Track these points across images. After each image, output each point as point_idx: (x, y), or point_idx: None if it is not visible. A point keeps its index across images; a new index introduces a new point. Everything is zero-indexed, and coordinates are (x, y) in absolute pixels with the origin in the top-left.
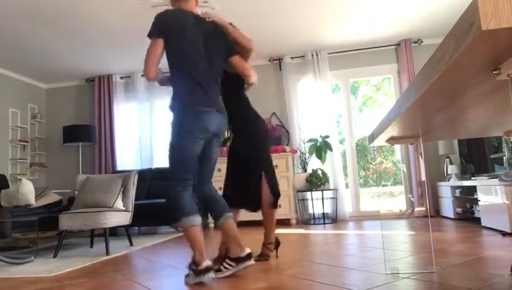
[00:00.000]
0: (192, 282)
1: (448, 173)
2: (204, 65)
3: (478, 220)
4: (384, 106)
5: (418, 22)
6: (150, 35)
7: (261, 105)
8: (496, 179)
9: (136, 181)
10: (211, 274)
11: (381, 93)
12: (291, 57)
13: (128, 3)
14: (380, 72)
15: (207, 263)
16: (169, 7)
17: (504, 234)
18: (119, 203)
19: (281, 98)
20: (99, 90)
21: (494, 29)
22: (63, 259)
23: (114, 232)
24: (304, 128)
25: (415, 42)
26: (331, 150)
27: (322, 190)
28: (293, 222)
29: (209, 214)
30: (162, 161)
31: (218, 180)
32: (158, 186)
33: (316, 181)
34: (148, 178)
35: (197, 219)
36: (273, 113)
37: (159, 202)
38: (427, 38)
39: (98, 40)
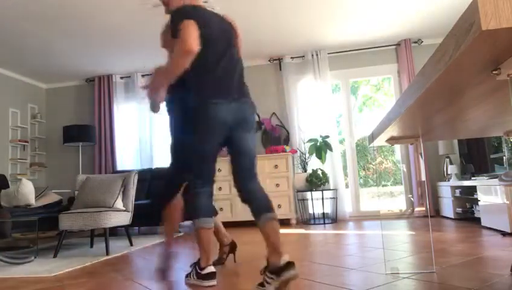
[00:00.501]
0: (192, 283)
1: (448, 173)
2: None
3: (478, 220)
4: (384, 106)
5: (418, 22)
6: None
7: (261, 105)
8: (496, 179)
9: (136, 181)
10: (213, 282)
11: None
12: (291, 57)
13: (128, 3)
14: (380, 72)
15: (211, 269)
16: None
17: (504, 234)
18: (119, 203)
19: (281, 98)
20: (99, 90)
21: (494, 29)
22: (63, 259)
23: (114, 232)
24: (304, 128)
25: (415, 42)
26: (331, 150)
27: (322, 190)
28: (293, 222)
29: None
30: (162, 161)
31: (218, 180)
32: (158, 186)
33: (316, 181)
34: (148, 178)
35: (210, 222)
36: (273, 113)
37: None
38: (427, 38)
39: (98, 40)
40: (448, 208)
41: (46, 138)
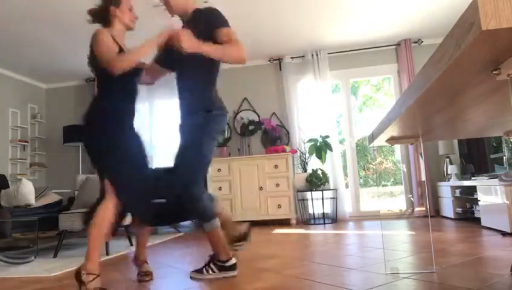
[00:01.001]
0: (209, 277)
1: (448, 173)
2: None
3: (478, 220)
4: (384, 106)
5: (418, 22)
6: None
7: (261, 105)
8: (496, 179)
9: None
10: (235, 272)
11: (381, 93)
12: (291, 57)
13: None
14: (380, 72)
15: (234, 260)
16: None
17: (504, 234)
18: None
19: (281, 98)
20: None
21: (494, 29)
22: (63, 259)
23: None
24: (304, 128)
25: (415, 42)
26: (331, 150)
27: (322, 190)
28: (293, 222)
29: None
30: (162, 160)
31: (218, 180)
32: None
33: (316, 181)
34: None
35: (218, 221)
36: (273, 113)
37: (159, 202)
38: (427, 38)
39: None
40: (448, 208)
41: (46, 138)
